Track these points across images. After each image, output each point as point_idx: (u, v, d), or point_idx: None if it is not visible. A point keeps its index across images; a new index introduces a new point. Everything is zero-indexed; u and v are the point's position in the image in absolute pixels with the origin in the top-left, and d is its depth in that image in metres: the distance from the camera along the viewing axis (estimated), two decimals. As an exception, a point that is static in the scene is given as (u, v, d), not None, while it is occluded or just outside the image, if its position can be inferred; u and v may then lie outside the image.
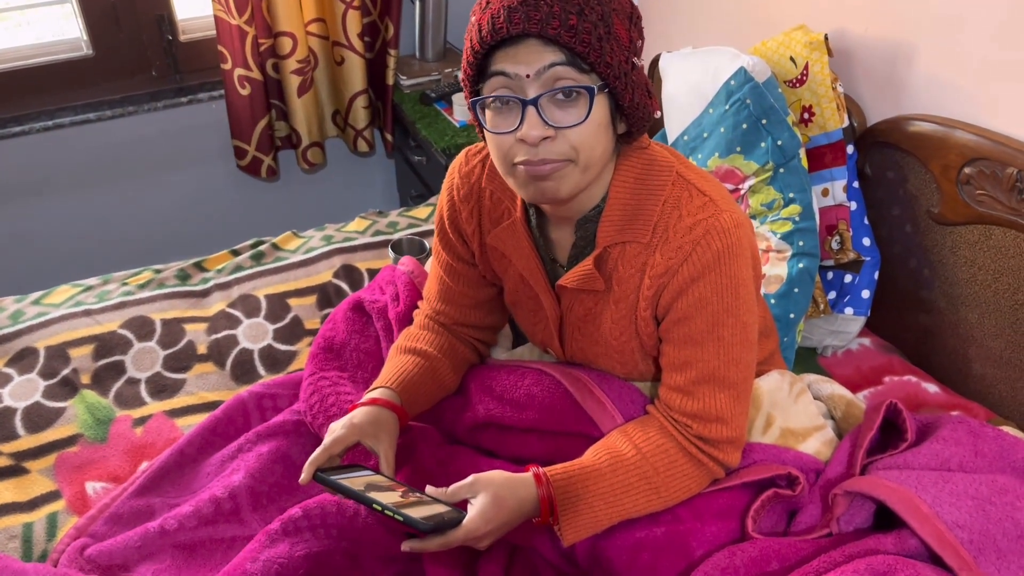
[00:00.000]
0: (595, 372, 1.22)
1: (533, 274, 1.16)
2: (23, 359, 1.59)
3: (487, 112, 1.00)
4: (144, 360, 1.60)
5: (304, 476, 1.06)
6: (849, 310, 1.58)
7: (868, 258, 1.59)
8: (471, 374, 1.31)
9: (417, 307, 1.37)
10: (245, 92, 2.34)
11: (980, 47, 1.40)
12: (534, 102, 0.95)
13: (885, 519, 1.10)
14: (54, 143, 2.36)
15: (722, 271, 1.03)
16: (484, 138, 1.05)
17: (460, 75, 1.04)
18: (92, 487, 1.36)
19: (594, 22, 0.92)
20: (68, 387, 1.53)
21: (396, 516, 0.96)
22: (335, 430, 1.10)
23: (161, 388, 1.55)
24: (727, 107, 1.59)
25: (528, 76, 0.95)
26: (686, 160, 1.11)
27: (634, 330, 1.13)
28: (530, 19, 0.91)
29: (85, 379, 1.55)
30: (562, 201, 1.04)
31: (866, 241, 1.59)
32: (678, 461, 1.08)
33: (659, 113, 1.05)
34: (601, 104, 0.98)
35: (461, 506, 1.03)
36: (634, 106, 1.00)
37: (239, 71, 2.30)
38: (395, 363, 1.24)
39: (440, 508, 1.01)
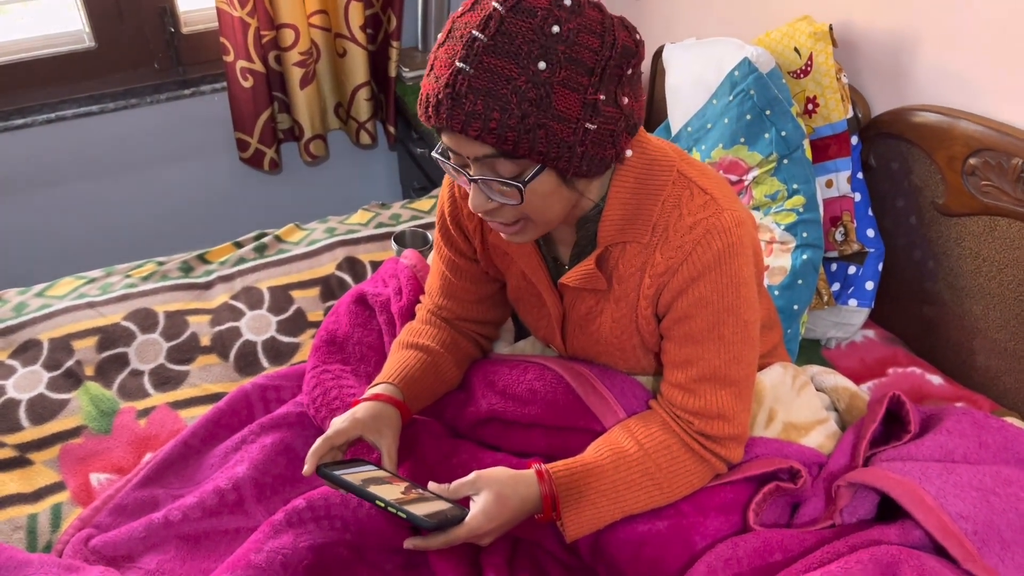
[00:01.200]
0: (597, 367, 1.22)
1: (535, 272, 1.16)
2: (27, 351, 1.59)
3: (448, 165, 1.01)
4: (148, 352, 1.60)
5: (307, 468, 1.06)
6: (853, 302, 1.58)
7: (872, 249, 1.58)
8: (473, 369, 1.31)
9: (420, 301, 1.37)
10: (247, 84, 2.33)
11: (985, 37, 1.39)
12: (476, 180, 0.96)
13: (888, 511, 1.10)
14: (57, 136, 2.36)
15: (723, 270, 1.03)
16: None
17: None
18: (96, 478, 1.36)
19: (521, 115, 0.88)
20: (72, 379, 1.53)
21: (400, 513, 0.96)
22: (337, 423, 1.11)
23: (165, 380, 1.55)
24: (731, 98, 1.59)
25: (470, 158, 0.95)
26: (687, 156, 1.10)
27: (635, 328, 1.13)
28: (453, 117, 0.90)
29: (89, 371, 1.56)
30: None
31: (870, 232, 1.59)
32: (680, 457, 1.08)
33: (629, 152, 0.99)
34: (544, 178, 0.96)
35: (463, 503, 1.04)
36: (583, 171, 0.95)
37: (241, 63, 2.30)
38: (397, 358, 1.24)
39: (442, 504, 1.01)
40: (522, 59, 0.88)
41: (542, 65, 0.88)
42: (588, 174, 0.97)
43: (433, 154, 1.01)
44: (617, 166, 1.05)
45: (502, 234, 1.05)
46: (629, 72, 0.94)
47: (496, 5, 0.89)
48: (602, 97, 0.92)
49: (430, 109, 0.92)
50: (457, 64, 0.89)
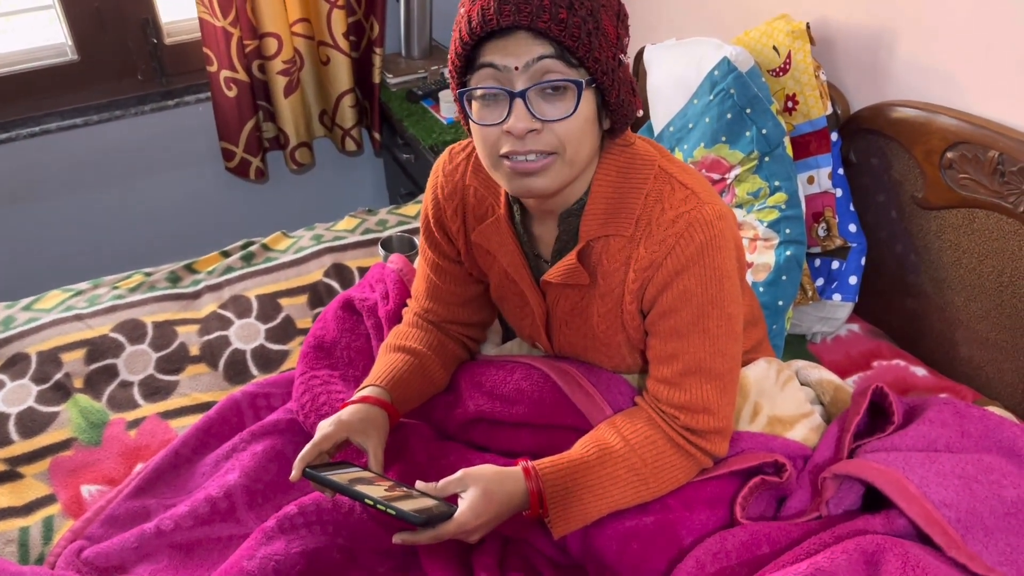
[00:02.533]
0: (583, 365, 1.23)
1: (518, 270, 1.17)
2: (15, 365, 1.59)
3: (474, 104, 1.00)
4: (136, 363, 1.60)
5: (294, 473, 1.07)
6: (837, 296, 1.59)
7: (854, 244, 1.60)
8: (461, 370, 1.31)
9: (406, 305, 1.38)
10: (231, 94, 2.34)
11: (960, 32, 1.41)
12: (522, 94, 0.95)
13: (874, 501, 1.11)
14: (41, 149, 2.36)
15: (706, 263, 1.04)
16: (470, 131, 1.06)
17: (447, 67, 1.04)
18: (87, 490, 1.36)
19: (583, 17, 0.93)
20: (61, 391, 1.54)
21: (388, 510, 0.97)
22: (324, 427, 1.11)
23: (154, 390, 1.55)
24: (711, 97, 1.60)
25: (517, 68, 0.95)
26: (668, 154, 1.12)
27: (620, 323, 1.14)
28: (520, 11, 0.91)
29: (78, 383, 1.56)
30: (547, 195, 1.04)
31: (852, 227, 1.60)
32: (666, 452, 1.09)
33: (641, 112, 1.05)
34: (588, 99, 0.98)
35: (452, 500, 1.04)
36: (619, 103, 1.01)
37: (225, 73, 2.30)
38: (385, 361, 1.25)
39: (430, 502, 1.02)
40: None
41: None
42: (619, 109, 1.01)
43: (459, 91, 1.00)
44: (600, 159, 1.07)
45: (519, 179, 1.00)
46: (627, 40, 1.02)
47: None
48: (626, 40, 1.01)
49: (491, 12, 0.92)
50: None
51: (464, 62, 0.99)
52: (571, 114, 0.96)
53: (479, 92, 0.98)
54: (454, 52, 0.99)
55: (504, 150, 0.99)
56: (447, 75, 2.49)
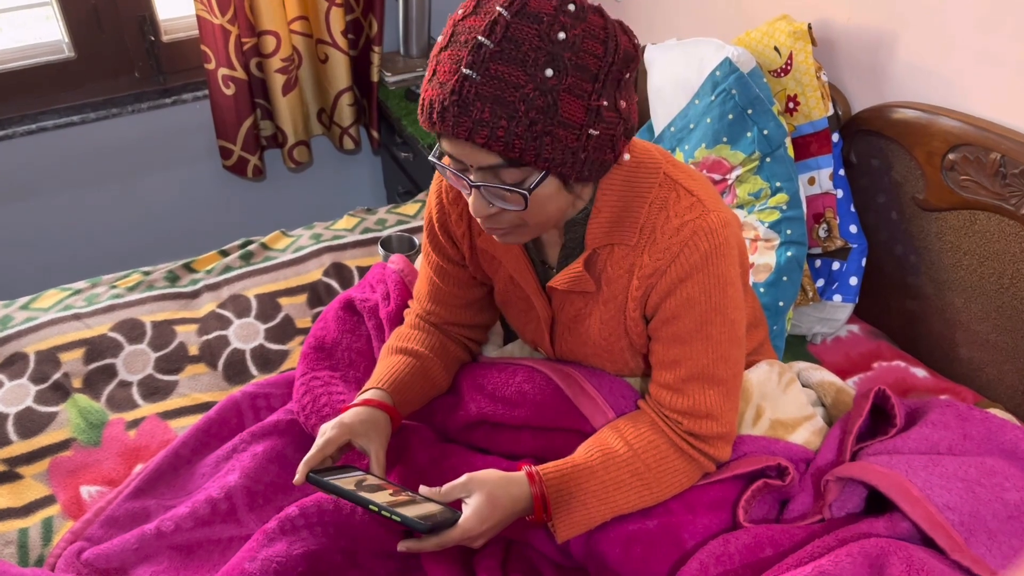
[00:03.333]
0: (586, 368, 1.23)
1: (523, 276, 1.16)
2: (13, 364, 1.58)
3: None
4: (135, 363, 1.60)
5: (298, 477, 1.06)
6: (837, 297, 1.60)
7: (855, 245, 1.60)
8: (462, 373, 1.31)
9: (408, 306, 1.38)
10: (229, 92, 2.33)
11: (962, 33, 1.41)
12: (477, 186, 0.96)
13: (876, 504, 1.11)
14: (38, 147, 2.34)
15: (710, 271, 1.04)
16: None
17: None
18: (87, 491, 1.36)
19: (529, 121, 0.88)
20: (59, 391, 1.53)
21: (393, 516, 0.97)
22: (326, 431, 1.11)
23: (153, 390, 1.54)
24: (713, 98, 1.60)
25: (471, 166, 0.95)
26: (673, 158, 1.11)
27: (623, 330, 1.14)
28: (459, 125, 0.89)
29: (76, 383, 1.55)
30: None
31: (853, 228, 1.60)
32: (669, 457, 1.09)
33: (627, 156, 1.02)
34: (547, 184, 0.96)
35: (455, 505, 1.04)
36: (584, 176, 0.96)
37: (223, 71, 2.29)
38: (386, 363, 1.25)
39: (433, 507, 1.02)
40: (529, 66, 0.87)
41: (549, 72, 0.88)
42: (588, 179, 0.98)
43: (430, 158, 1.01)
44: None
45: (495, 236, 1.05)
46: (627, 76, 0.95)
47: (501, 10, 0.87)
48: (604, 103, 0.92)
49: (435, 115, 0.91)
50: (463, 71, 0.87)
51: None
52: (524, 208, 0.96)
53: (444, 172, 1.01)
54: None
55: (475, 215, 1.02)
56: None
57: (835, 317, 1.61)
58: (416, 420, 1.30)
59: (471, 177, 0.96)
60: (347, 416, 1.13)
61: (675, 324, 1.07)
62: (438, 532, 1.01)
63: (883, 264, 1.63)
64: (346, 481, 1.04)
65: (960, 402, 1.23)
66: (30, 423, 1.46)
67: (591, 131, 0.92)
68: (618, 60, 0.92)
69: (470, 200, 0.99)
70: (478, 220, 1.03)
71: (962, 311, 1.50)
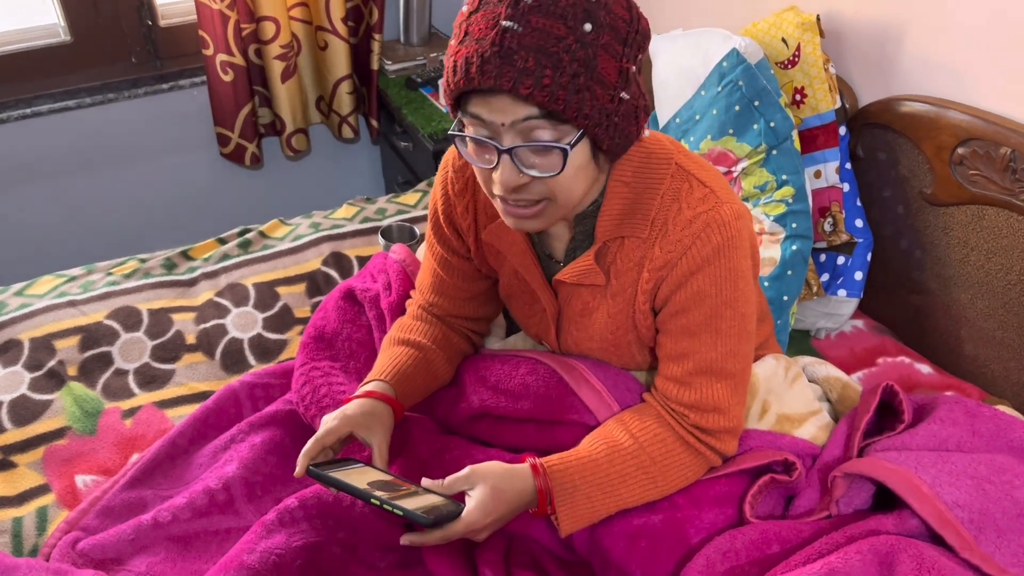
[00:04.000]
0: (590, 360, 1.21)
1: (529, 270, 1.15)
2: (7, 351, 1.56)
3: (467, 142, 0.98)
4: (132, 351, 1.57)
5: (299, 469, 1.05)
6: (842, 292, 1.58)
7: (861, 240, 1.59)
8: (465, 364, 1.30)
9: (410, 297, 1.36)
10: (227, 78, 2.30)
11: (972, 26, 1.40)
12: (509, 151, 0.93)
13: (884, 500, 1.10)
14: (32, 131, 2.32)
15: (721, 264, 1.03)
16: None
17: (442, 90, 1.01)
18: (82, 480, 1.34)
19: (572, 73, 0.88)
20: (55, 379, 1.51)
21: (395, 510, 0.95)
22: (327, 422, 1.09)
23: (150, 379, 1.53)
24: (719, 89, 1.58)
25: (504, 125, 0.92)
26: (685, 149, 1.10)
27: (632, 323, 1.12)
28: (502, 75, 0.87)
29: (72, 371, 1.53)
30: (546, 229, 1.04)
31: (858, 223, 1.59)
32: (675, 450, 1.08)
33: (647, 133, 1.02)
34: (580, 148, 0.95)
35: (458, 498, 1.03)
36: (614, 144, 0.96)
37: (221, 57, 2.27)
38: (389, 355, 1.23)
39: (436, 500, 1.00)
40: (569, 19, 0.87)
41: (588, 27, 0.88)
42: (615, 149, 0.97)
43: (450, 132, 0.98)
44: (615, 162, 1.05)
45: (514, 221, 1.01)
46: (644, 53, 0.96)
47: None
48: (632, 68, 0.93)
49: (473, 70, 0.88)
50: (503, 23, 0.87)
51: (455, 99, 0.96)
52: (559, 172, 0.94)
53: (470, 139, 0.97)
54: (446, 85, 0.96)
55: (495, 192, 0.98)
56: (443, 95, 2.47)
57: (839, 312, 1.60)
58: (418, 412, 1.28)
59: (503, 142, 0.93)
60: (349, 408, 1.11)
61: (685, 317, 1.06)
62: (441, 525, 0.99)
63: (889, 259, 1.62)
64: (347, 474, 1.03)
65: (968, 399, 1.22)
66: (24, 411, 1.44)
67: (623, 94, 0.92)
68: (640, 29, 0.93)
69: (497, 172, 0.95)
70: (499, 202, 0.99)
71: (968, 307, 1.49)
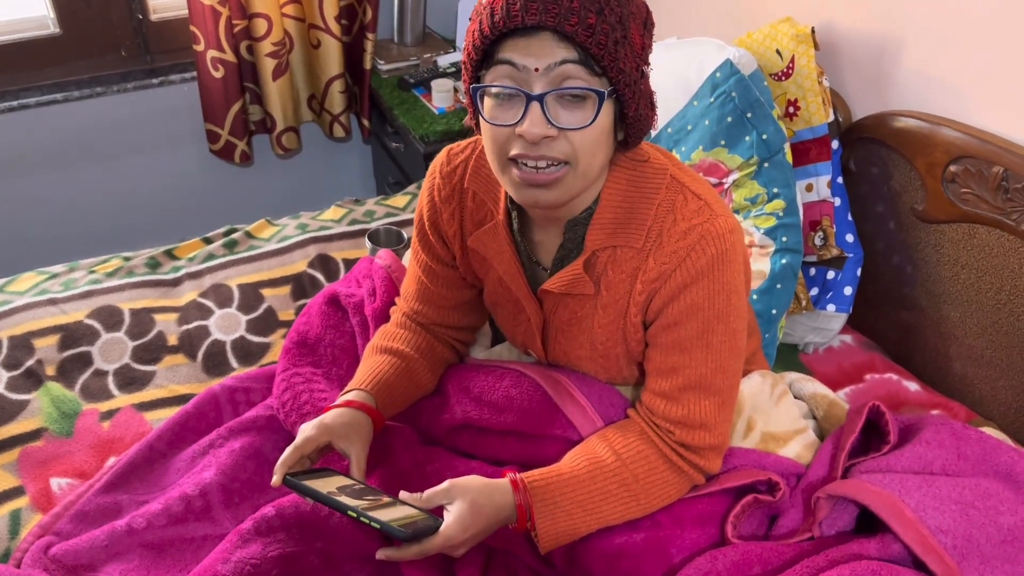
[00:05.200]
0: (575, 374, 1.20)
1: (514, 279, 1.13)
2: (-15, 349, 1.54)
3: (487, 101, 0.95)
4: (112, 351, 1.55)
5: (275, 479, 1.03)
6: (831, 307, 1.57)
7: (851, 255, 1.58)
8: (449, 374, 1.28)
9: (394, 303, 1.34)
10: (218, 75, 2.28)
11: (968, 43, 1.39)
12: (540, 98, 0.91)
13: (868, 522, 1.09)
14: (19, 124, 2.29)
15: (715, 277, 1.01)
16: (479, 129, 1.01)
17: (462, 57, 0.99)
18: (57, 483, 1.32)
19: (612, 24, 0.88)
20: (32, 379, 1.48)
21: (372, 523, 0.93)
22: (306, 430, 1.07)
23: (130, 380, 1.50)
24: (712, 99, 1.57)
25: (537, 70, 0.90)
26: (679, 161, 1.09)
27: (621, 335, 1.10)
28: (548, 11, 0.87)
29: (50, 371, 1.51)
30: (555, 207, 1.01)
31: (849, 237, 1.58)
32: (658, 468, 1.07)
33: (657, 129, 1.02)
34: (607, 110, 0.94)
35: (436, 512, 1.01)
36: (638, 116, 0.96)
37: (212, 53, 2.24)
38: (370, 363, 1.21)
39: (414, 513, 0.99)
40: None
41: None
42: (636, 124, 0.97)
43: (472, 86, 0.96)
44: (610, 168, 1.04)
45: (528, 189, 0.97)
46: (650, 51, 0.98)
47: None
48: (649, 51, 0.96)
49: (517, 7, 0.87)
50: None
51: (481, 56, 0.94)
52: (590, 123, 0.92)
53: (494, 90, 0.94)
54: (471, 44, 0.94)
55: (514, 152, 0.94)
56: (443, 59, 2.45)
57: (828, 327, 1.59)
58: (401, 420, 1.26)
59: (535, 89, 0.91)
60: (328, 417, 1.10)
61: (676, 330, 1.04)
62: (419, 540, 0.97)
63: (879, 274, 1.61)
64: (324, 484, 1.01)
65: (955, 421, 1.20)
66: (0, 410, 1.42)
67: (644, 67, 0.95)
68: (651, 23, 0.96)
69: (524, 124, 0.92)
70: (514, 171, 0.95)
71: (958, 325, 1.48)
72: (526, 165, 0.95)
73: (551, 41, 0.89)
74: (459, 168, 1.15)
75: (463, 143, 1.17)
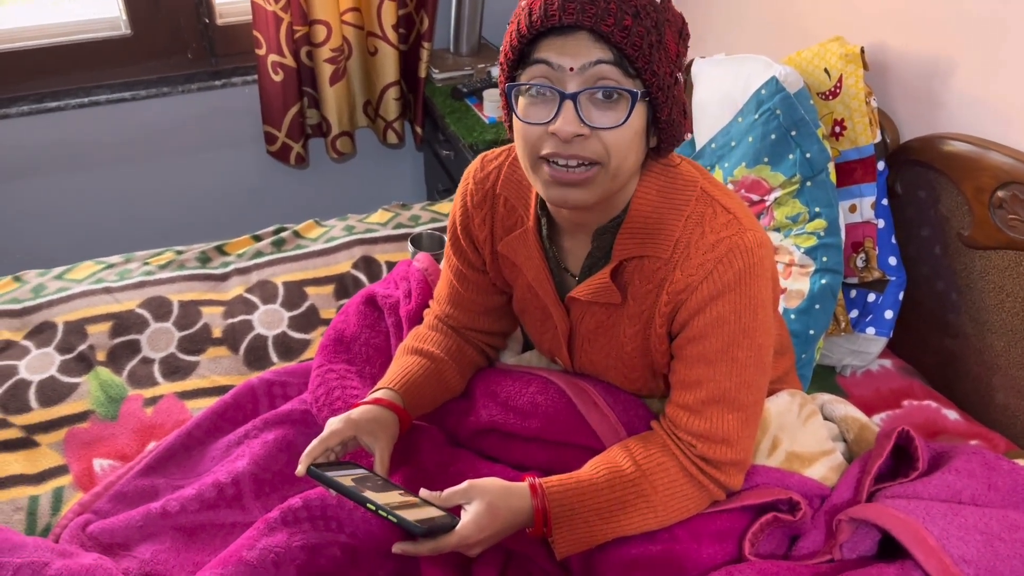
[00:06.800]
0: (601, 384, 1.20)
1: (542, 285, 1.14)
2: (41, 332, 1.61)
3: (521, 100, 0.97)
4: (159, 340, 1.61)
5: (300, 468, 1.05)
6: (871, 330, 1.55)
7: (893, 278, 1.55)
8: (477, 378, 1.30)
9: (428, 306, 1.36)
10: (278, 78, 2.35)
11: (1020, 68, 1.36)
12: (573, 97, 0.92)
13: (890, 549, 1.07)
14: (88, 120, 2.39)
15: (742, 291, 1.01)
16: (511, 129, 1.03)
17: (499, 60, 1.01)
18: (99, 464, 1.37)
19: (648, 27, 0.90)
20: (83, 363, 1.55)
21: (390, 517, 0.95)
22: (332, 424, 1.10)
23: (174, 369, 1.56)
24: (756, 116, 1.56)
25: (572, 69, 0.92)
26: (709, 175, 1.09)
27: (647, 346, 1.11)
28: (585, 11, 0.89)
29: (100, 356, 1.57)
30: (584, 208, 1.01)
31: (892, 260, 1.55)
32: (678, 481, 1.06)
33: (690, 135, 1.03)
34: (640, 112, 0.95)
35: (455, 511, 1.02)
36: (670, 121, 0.97)
37: (273, 57, 2.31)
38: (401, 364, 1.24)
39: (433, 511, 1.00)
40: None
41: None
42: (669, 129, 0.98)
43: (507, 84, 0.98)
44: (641, 176, 1.04)
45: (559, 189, 0.97)
46: (684, 58, 0.99)
47: None
48: (684, 59, 0.97)
49: (555, 6, 0.89)
50: None
51: (517, 56, 0.96)
52: (622, 123, 0.93)
53: (528, 88, 0.95)
54: (508, 45, 0.96)
55: (545, 151, 0.95)
56: (497, 70, 2.48)
57: (867, 350, 1.56)
58: (428, 422, 1.28)
59: (568, 88, 0.92)
60: (355, 412, 1.12)
61: (701, 343, 1.04)
62: (434, 536, 0.99)
63: (922, 299, 1.58)
64: (347, 477, 1.03)
65: (988, 451, 1.17)
66: (52, 392, 1.48)
67: (678, 74, 0.96)
68: (686, 34, 0.98)
69: (557, 122, 0.93)
70: (546, 169, 0.96)
71: (1002, 355, 1.44)
72: (557, 164, 0.96)
73: (587, 41, 0.91)
74: (492, 174, 1.17)
75: (497, 150, 1.19)
